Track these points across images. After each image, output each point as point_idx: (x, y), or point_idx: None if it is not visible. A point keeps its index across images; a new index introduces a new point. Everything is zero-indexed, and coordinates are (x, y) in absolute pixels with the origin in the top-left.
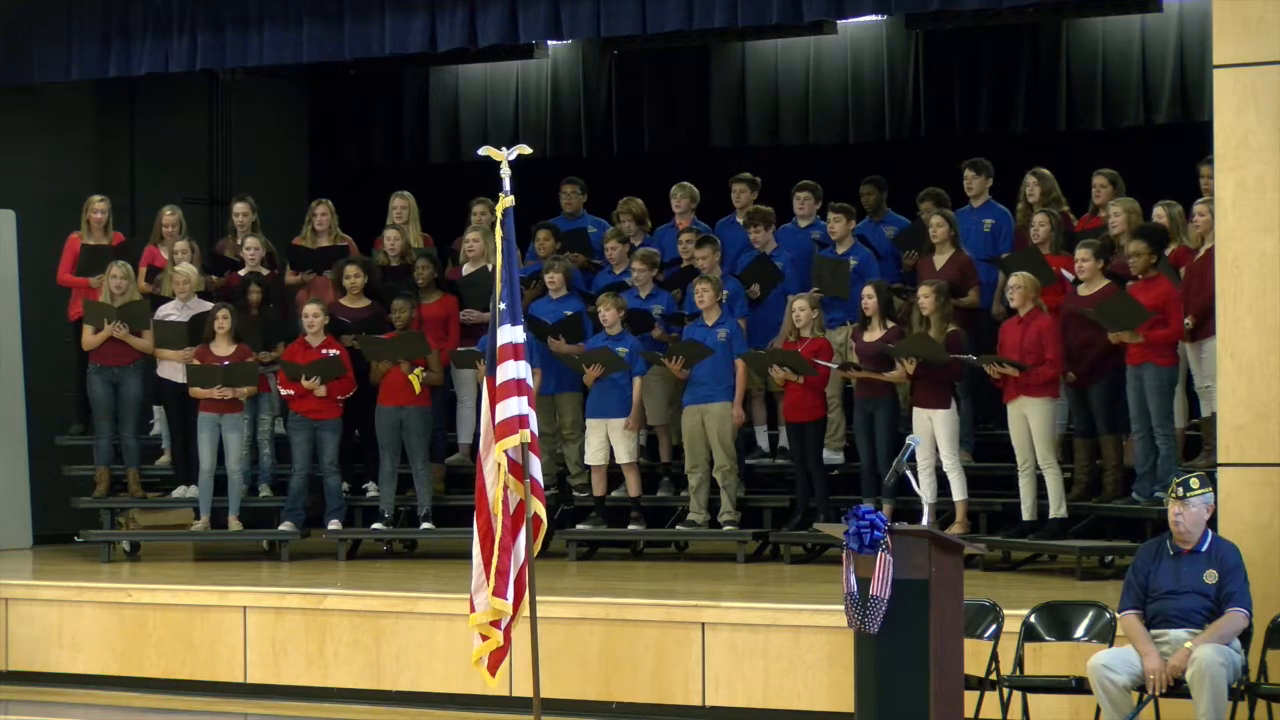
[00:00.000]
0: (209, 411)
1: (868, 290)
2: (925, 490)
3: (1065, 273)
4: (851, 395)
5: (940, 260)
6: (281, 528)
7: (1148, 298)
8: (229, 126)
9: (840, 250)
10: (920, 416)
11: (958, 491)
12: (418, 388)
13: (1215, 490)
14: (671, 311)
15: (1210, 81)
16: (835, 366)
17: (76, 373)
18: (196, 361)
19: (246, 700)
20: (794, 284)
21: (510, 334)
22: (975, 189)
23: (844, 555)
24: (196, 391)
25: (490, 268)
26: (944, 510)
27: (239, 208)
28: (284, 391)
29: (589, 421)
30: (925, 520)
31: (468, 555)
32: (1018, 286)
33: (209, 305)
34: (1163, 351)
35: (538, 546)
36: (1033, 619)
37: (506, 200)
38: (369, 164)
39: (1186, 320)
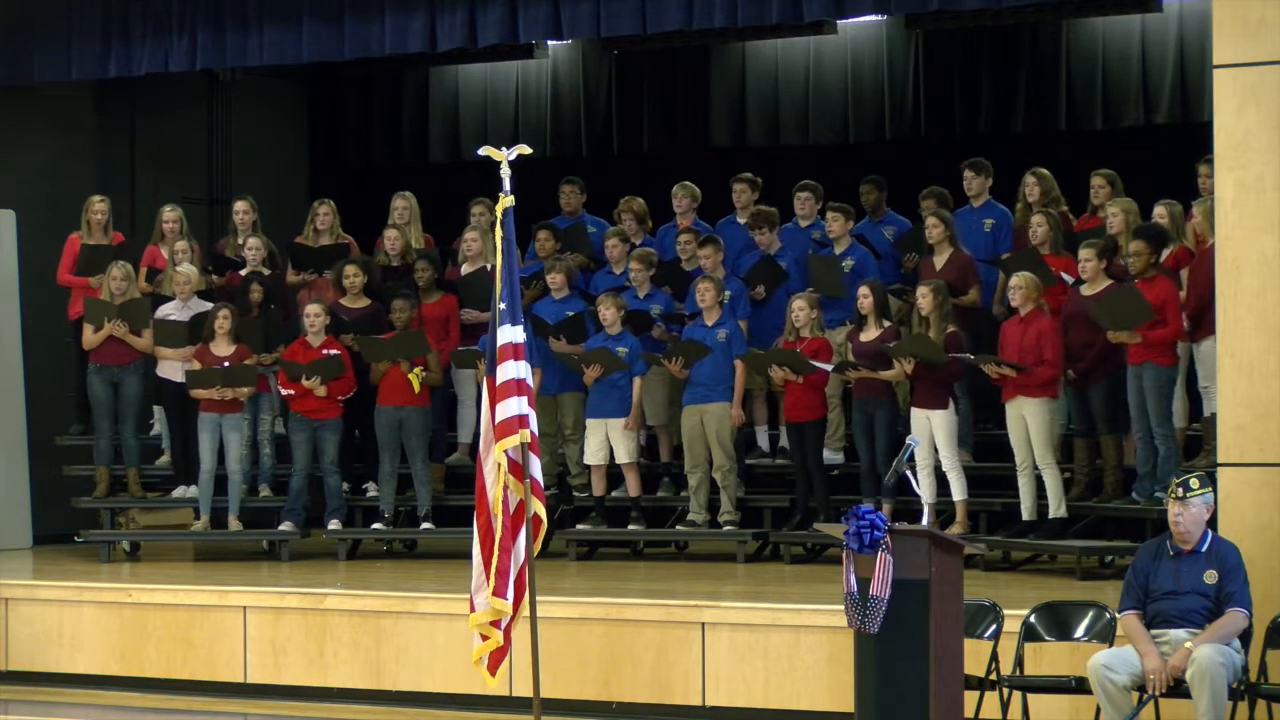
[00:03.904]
0: (210, 411)
1: (863, 290)
2: (925, 490)
3: (1065, 275)
4: (852, 395)
5: (940, 260)
6: (281, 528)
7: (1148, 297)
8: (229, 126)
9: (838, 250)
10: (918, 417)
11: (957, 491)
12: (417, 387)
13: (1215, 490)
14: (670, 311)
15: (1210, 81)
16: (831, 369)
17: (76, 373)
18: (197, 361)
19: (246, 700)
20: (798, 284)
21: (510, 334)
22: (975, 189)
23: (844, 555)
24: (197, 392)
25: (490, 267)
26: (944, 510)
27: (239, 207)
28: (284, 391)
29: (589, 421)
30: (925, 520)
31: (468, 555)
32: (1019, 287)
33: (210, 305)
34: (1162, 351)
35: (538, 546)
36: (1033, 619)
37: (506, 200)
38: (369, 164)
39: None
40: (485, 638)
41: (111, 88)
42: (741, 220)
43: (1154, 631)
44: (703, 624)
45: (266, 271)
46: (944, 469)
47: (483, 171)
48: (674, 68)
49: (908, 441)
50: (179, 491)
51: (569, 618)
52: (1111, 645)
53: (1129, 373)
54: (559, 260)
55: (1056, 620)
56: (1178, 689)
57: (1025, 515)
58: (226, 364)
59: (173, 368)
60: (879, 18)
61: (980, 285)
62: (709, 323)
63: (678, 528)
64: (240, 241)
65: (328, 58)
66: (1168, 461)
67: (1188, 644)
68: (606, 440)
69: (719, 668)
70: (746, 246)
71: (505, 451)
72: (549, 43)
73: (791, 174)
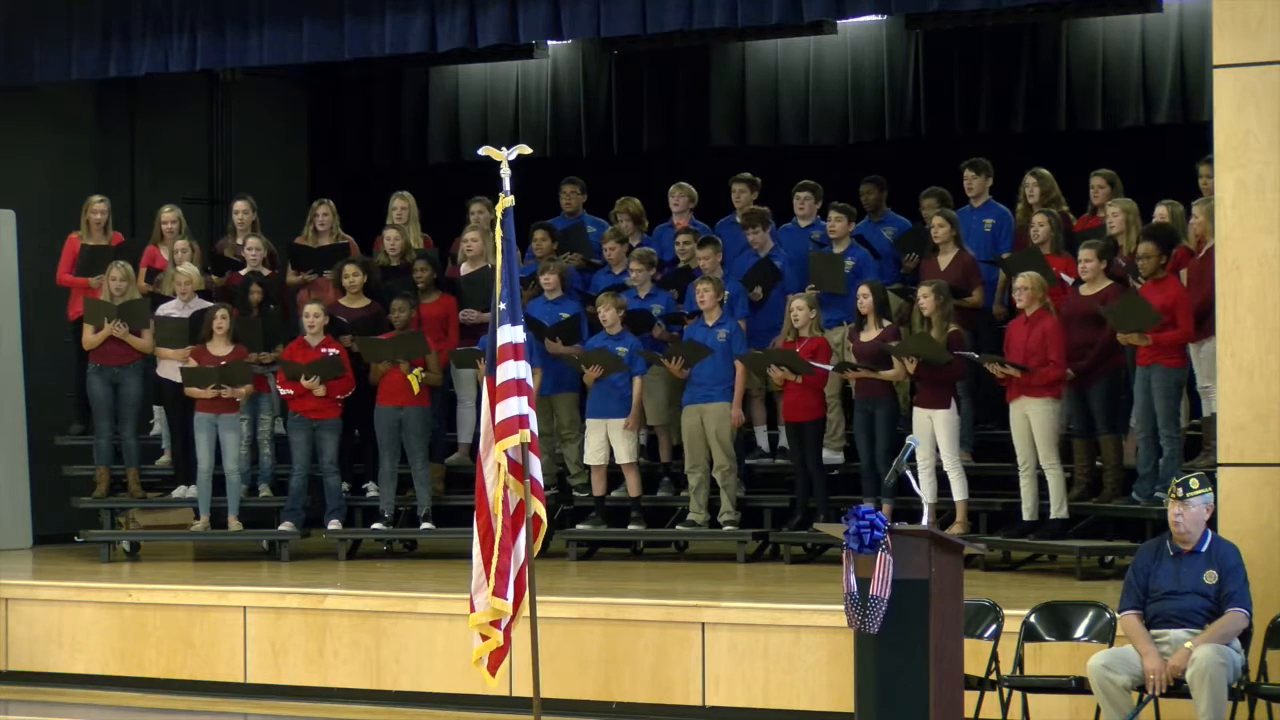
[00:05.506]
0: (205, 411)
1: (863, 290)
2: (925, 490)
3: (1065, 276)
4: (851, 395)
5: (944, 260)
6: (281, 528)
7: (1157, 299)
8: (229, 126)
9: (838, 250)
10: (921, 416)
11: (958, 491)
12: (416, 388)
13: (1215, 490)
14: (670, 311)
15: (1210, 81)
16: (830, 368)
17: (76, 373)
18: (193, 361)
19: (246, 700)
20: (793, 284)
21: (510, 334)
22: (975, 189)
23: (844, 555)
24: (192, 391)
25: (490, 267)
26: (944, 510)
27: (239, 207)
28: (283, 391)
29: (589, 421)
30: (925, 520)
31: (468, 555)
32: (1025, 287)
33: (210, 305)
34: (1171, 353)
35: (538, 546)
36: (1033, 619)
37: (506, 200)
38: (369, 164)
39: None
40: (485, 638)
41: (111, 88)
42: (739, 220)
43: (1154, 631)
44: (703, 624)
45: (266, 271)
46: (945, 469)
47: (483, 171)
48: (674, 68)
49: (908, 441)
50: (179, 491)
51: (569, 618)
52: (1111, 645)
53: (1137, 374)
54: (553, 261)
55: (1056, 620)
56: (1178, 689)
57: (1026, 515)
58: (222, 363)
59: (173, 368)
60: (879, 18)
61: (983, 285)
62: (709, 323)
63: (678, 528)
64: (240, 241)
65: (328, 58)
66: (1171, 462)
67: (1188, 644)
68: (606, 440)
69: (719, 668)
70: (746, 246)
71: (505, 451)
72: (549, 43)
73: (791, 174)
